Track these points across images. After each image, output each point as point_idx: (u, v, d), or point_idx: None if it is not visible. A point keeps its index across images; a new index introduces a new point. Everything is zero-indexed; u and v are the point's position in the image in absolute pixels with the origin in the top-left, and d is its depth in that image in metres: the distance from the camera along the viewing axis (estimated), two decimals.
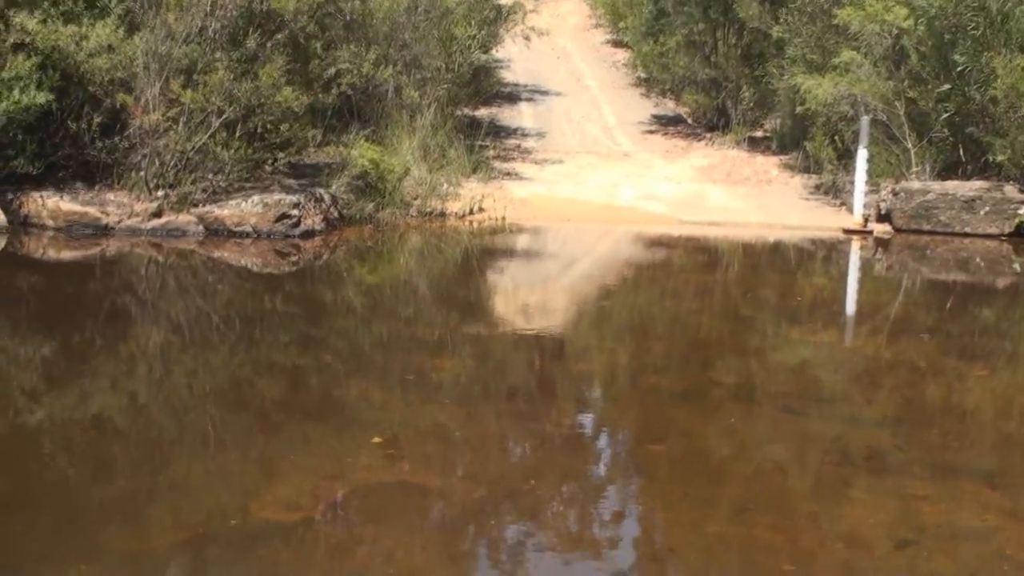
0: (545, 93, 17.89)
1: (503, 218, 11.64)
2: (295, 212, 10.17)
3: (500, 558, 4.02)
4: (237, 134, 10.30)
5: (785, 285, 9.49)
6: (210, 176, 10.28)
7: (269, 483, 4.44)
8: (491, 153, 13.81)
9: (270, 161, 10.56)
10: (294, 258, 9.86)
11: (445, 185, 12.02)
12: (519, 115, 16.61)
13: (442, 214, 11.65)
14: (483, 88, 15.07)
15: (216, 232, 10.12)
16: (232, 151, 10.24)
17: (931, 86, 12.24)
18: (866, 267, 10.79)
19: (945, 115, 12.18)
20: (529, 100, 17.49)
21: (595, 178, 13.39)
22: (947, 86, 12.09)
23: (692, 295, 9.11)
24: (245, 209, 10.14)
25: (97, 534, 3.98)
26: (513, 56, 17.99)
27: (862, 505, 4.43)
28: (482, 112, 15.94)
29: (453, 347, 7.10)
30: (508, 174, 13.26)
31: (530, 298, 8.79)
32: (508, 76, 18.18)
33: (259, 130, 10.47)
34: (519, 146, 14.81)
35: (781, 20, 13.92)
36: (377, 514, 4.29)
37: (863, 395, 6.18)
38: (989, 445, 5.39)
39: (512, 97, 17.44)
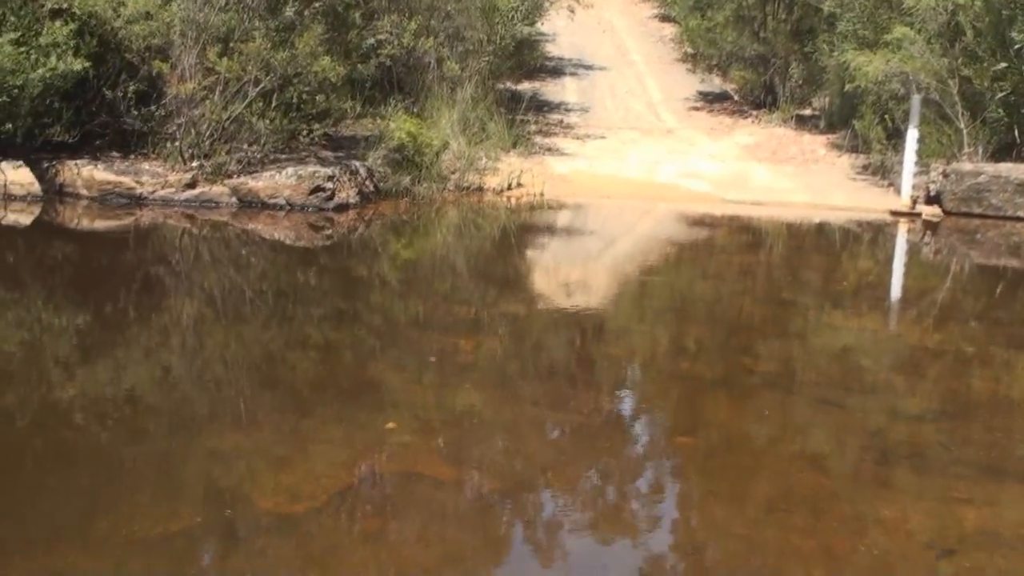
0: (590, 68, 17.53)
1: (541, 194, 11.36)
2: (329, 185, 9.94)
3: (508, 554, 3.78)
4: (273, 104, 10.08)
5: (829, 268, 9.14)
6: (245, 147, 10.07)
7: (275, 469, 4.22)
8: (532, 128, 13.51)
9: (305, 132, 10.30)
10: (328, 231, 9.65)
11: (484, 159, 11.75)
12: (563, 89, 16.27)
13: (480, 189, 11.39)
14: (526, 61, 14.74)
15: (249, 204, 9.92)
16: (268, 122, 10.03)
17: (987, 64, 11.77)
18: (913, 251, 10.38)
19: (1001, 95, 11.72)
20: (573, 75, 17.15)
21: (637, 154, 13.07)
22: (1004, 64, 11.62)
23: (733, 277, 8.77)
24: (279, 181, 9.92)
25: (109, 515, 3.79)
26: (558, 30, 17.64)
27: (901, 507, 4.12)
28: (525, 86, 15.64)
29: (482, 327, 6.85)
30: (549, 149, 12.96)
31: (565, 277, 8.52)
32: (553, 50, 17.84)
33: (295, 101, 10.24)
34: (561, 121, 14.50)
35: None
36: (380, 507, 4.05)
37: (906, 386, 5.85)
38: None
39: (556, 71, 17.10)
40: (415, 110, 11.89)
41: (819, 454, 4.76)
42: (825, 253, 9.93)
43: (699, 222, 11.22)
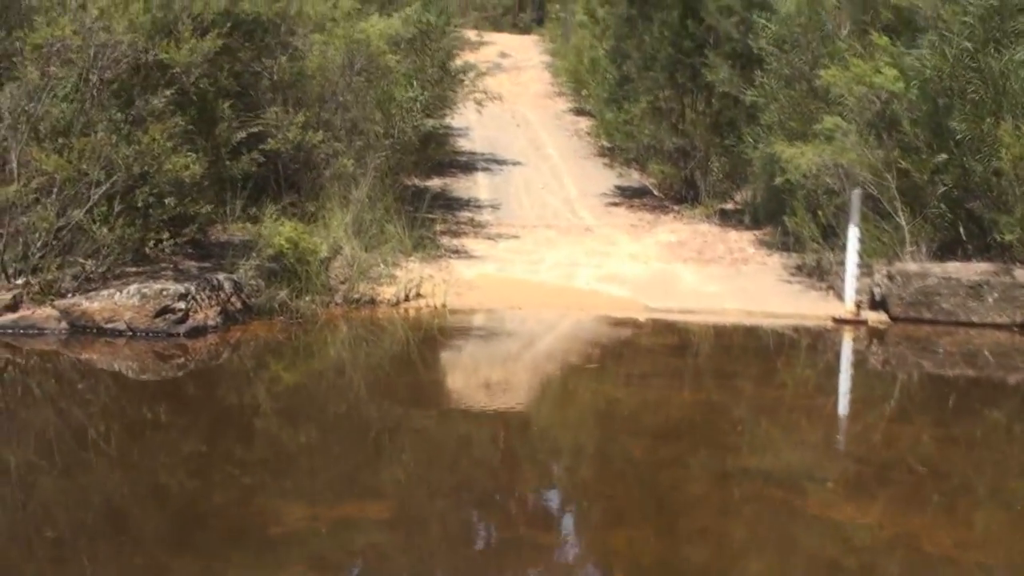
0: (503, 162, 15.25)
1: (443, 305, 8.94)
2: (180, 305, 7.37)
3: None
4: (116, 209, 7.59)
5: (781, 411, 6.72)
6: (81, 260, 7.55)
7: None
8: (439, 228, 11.15)
9: (153, 243, 7.76)
10: (178, 360, 7.14)
11: (380, 266, 9.32)
12: (474, 185, 13.94)
13: (372, 301, 8.89)
14: (430, 156, 12.39)
15: (83, 329, 7.34)
16: (110, 230, 7.53)
17: (926, 156, 9.67)
18: (872, 374, 8.08)
19: (942, 189, 9.63)
20: (486, 170, 14.83)
21: (553, 256, 10.73)
22: (943, 156, 9.54)
23: (666, 434, 6.12)
24: (119, 301, 7.35)
25: None
26: (472, 124, 15.45)
27: None
28: (435, 182, 13.32)
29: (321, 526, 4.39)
30: (456, 251, 10.59)
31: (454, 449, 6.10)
32: (465, 144, 15.60)
33: (143, 205, 7.74)
34: (472, 219, 12.14)
35: (756, 84, 11.38)
36: None
37: None
38: None
39: (468, 167, 14.78)
40: (303, 211, 9.48)
41: None
42: (773, 384, 7.41)
43: (619, 341, 8.84)
